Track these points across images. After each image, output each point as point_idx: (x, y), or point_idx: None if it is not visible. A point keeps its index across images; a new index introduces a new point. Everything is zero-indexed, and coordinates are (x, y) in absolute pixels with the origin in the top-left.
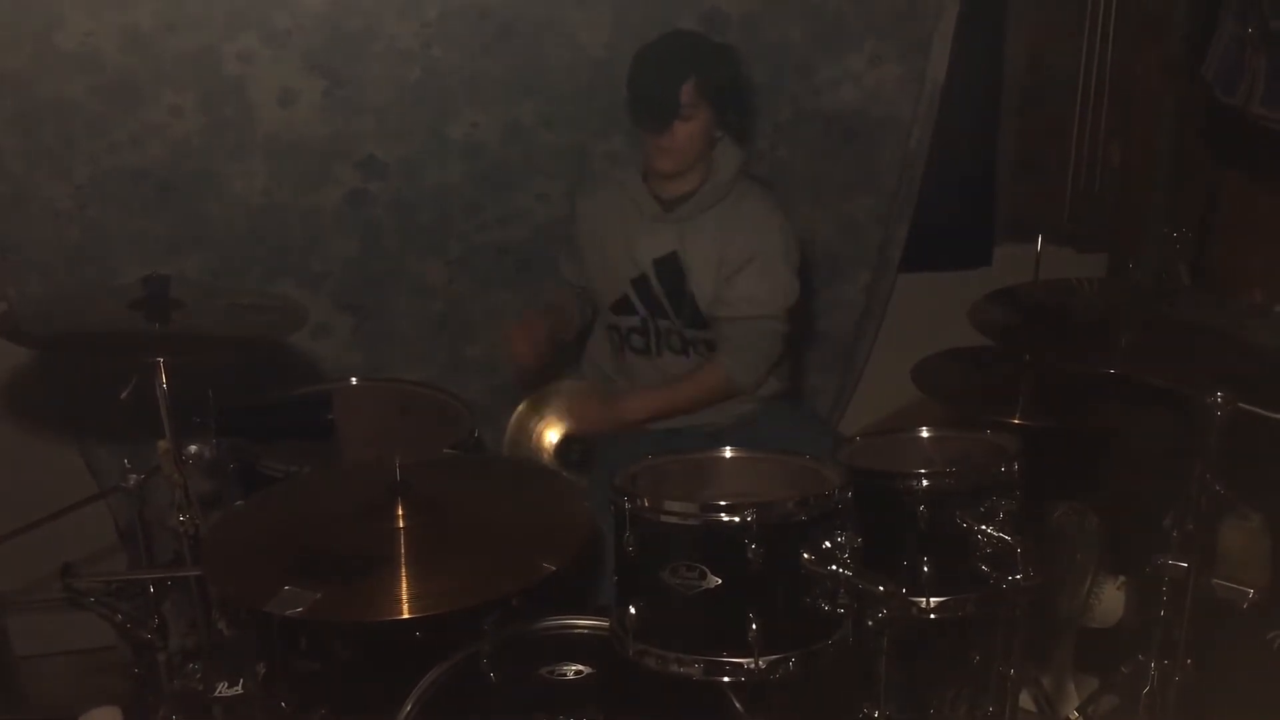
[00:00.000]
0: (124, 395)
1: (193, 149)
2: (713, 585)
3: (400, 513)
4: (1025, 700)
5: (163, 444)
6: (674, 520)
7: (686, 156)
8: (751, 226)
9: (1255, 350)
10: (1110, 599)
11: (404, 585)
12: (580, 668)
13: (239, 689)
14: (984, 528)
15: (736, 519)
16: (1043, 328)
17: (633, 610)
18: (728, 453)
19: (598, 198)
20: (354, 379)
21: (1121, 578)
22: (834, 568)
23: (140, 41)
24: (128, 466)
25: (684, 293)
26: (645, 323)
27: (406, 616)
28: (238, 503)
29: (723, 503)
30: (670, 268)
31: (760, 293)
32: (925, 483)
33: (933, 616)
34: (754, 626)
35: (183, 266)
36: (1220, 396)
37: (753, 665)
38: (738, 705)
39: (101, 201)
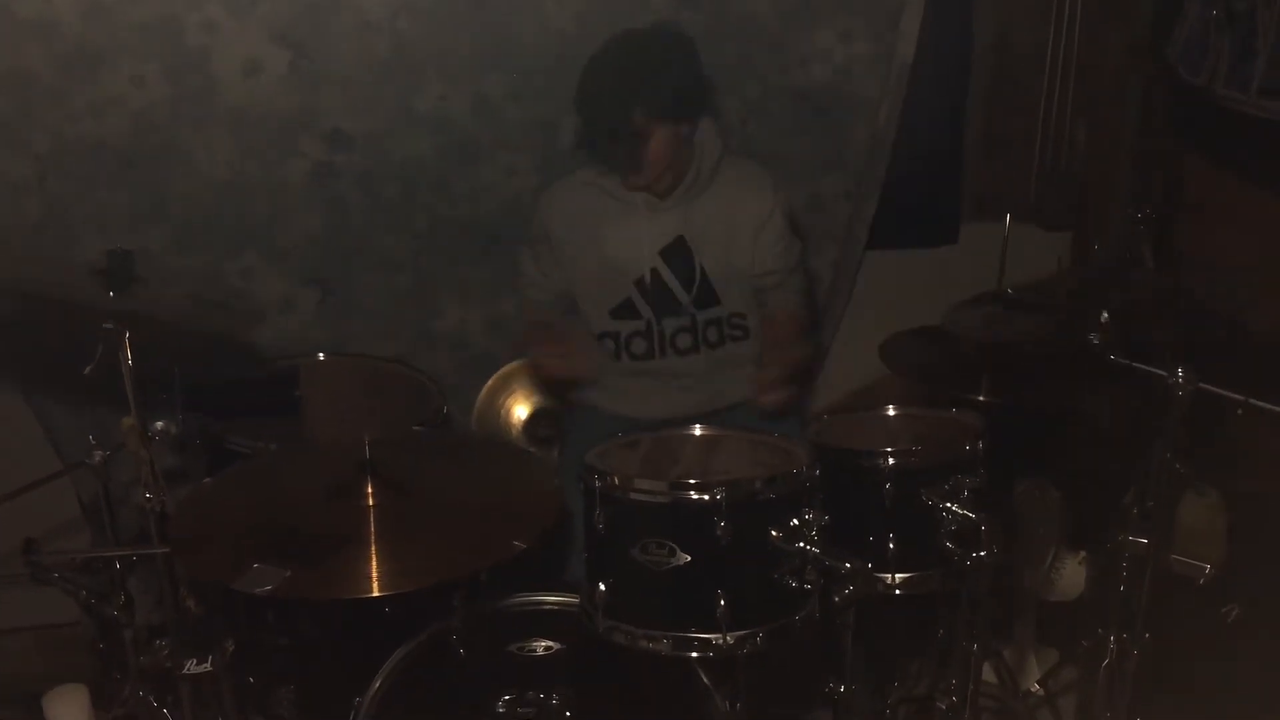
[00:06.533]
0: (88, 370)
1: (155, 121)
2: (682, 562)
3: (369, 490)
4: (987, 673)
5: (128, 420)
6: (643, 498)
7: (658, 166)
8: (752, 187)
9: (1216, 330)
10: (1071, 574)
11: (373, 563)
12: (549, 644)
13: (207, 666)
14: (948, 505)
15: (705, 497)
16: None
17: (602, 587)
18: (697, 431)
19: (575, 204)
20: (321, 354)
21: (1082, 553)
22: (801, 545)
23: (100, 9)
24: (93, 443)
25: (694, 269)
26: (649, 325)
27: (376, 594)
28: (205, 479)
29: (692, 481)
30: (679, 252)
31: (784, 246)
32: (891, 461)
33: (898, 592)
34: (722, 603)
35: (145, 240)
36: (1181, 376)
37: (720, 641)
38: (705, 680)
39: (61, 174)
